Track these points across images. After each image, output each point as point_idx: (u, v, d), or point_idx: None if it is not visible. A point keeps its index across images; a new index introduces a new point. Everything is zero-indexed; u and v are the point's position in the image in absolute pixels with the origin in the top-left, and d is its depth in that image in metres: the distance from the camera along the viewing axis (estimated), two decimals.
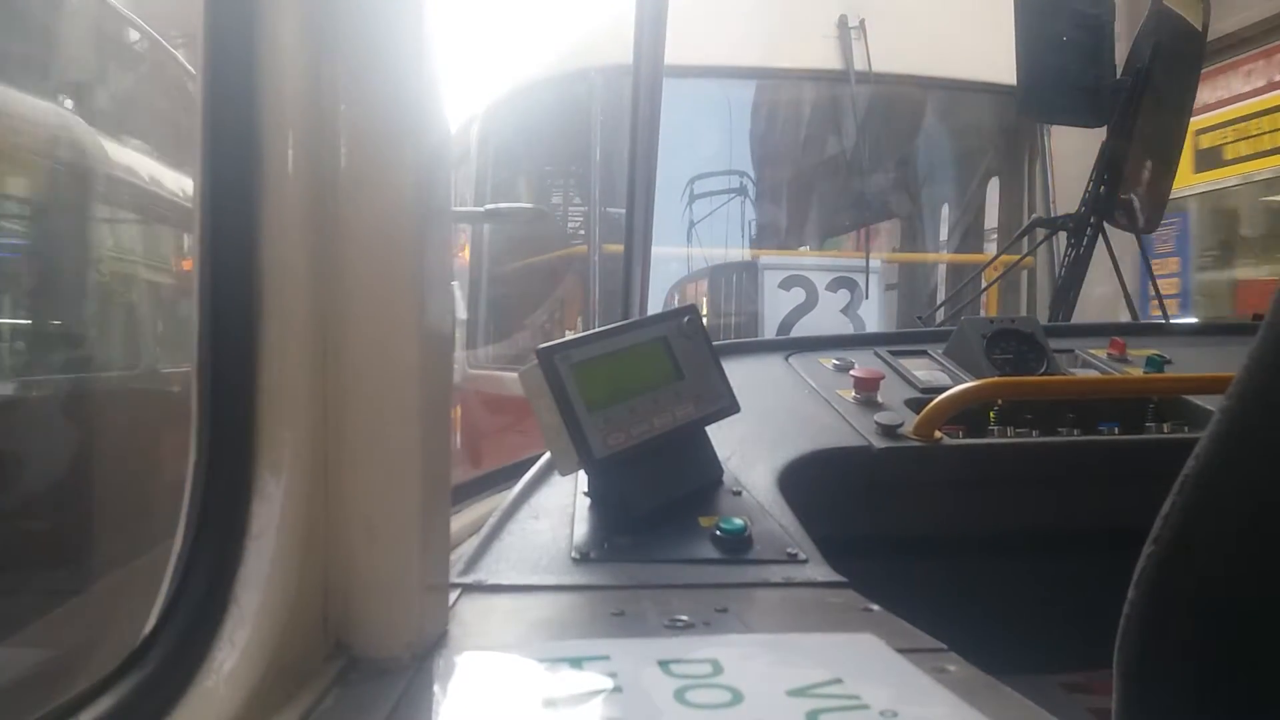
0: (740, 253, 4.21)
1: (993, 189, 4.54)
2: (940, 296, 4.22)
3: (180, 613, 0.57)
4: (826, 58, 3.88)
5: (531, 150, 4.51)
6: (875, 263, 3.94)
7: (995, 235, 4.47)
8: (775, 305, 3.76)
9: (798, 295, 3.79)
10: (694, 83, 3.84)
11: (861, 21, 3.85)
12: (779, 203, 4.51)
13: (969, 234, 4.65)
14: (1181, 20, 2.45)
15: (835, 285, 3.81)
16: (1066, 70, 2.45)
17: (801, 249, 4.58)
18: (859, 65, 3.84)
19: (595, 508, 1.03)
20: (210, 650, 0.56)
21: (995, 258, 3.52)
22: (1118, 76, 2.46)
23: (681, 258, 4.13)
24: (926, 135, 4.53)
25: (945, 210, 4.73)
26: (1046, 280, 4.01)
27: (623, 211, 3.76)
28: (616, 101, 3.81)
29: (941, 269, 4.60)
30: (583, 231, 4.09)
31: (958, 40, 3.99)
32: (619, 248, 3.70)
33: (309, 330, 0.63)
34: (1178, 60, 2.43)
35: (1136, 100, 2.42)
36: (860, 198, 4.14)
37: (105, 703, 0.52)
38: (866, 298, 3.79)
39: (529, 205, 3.36)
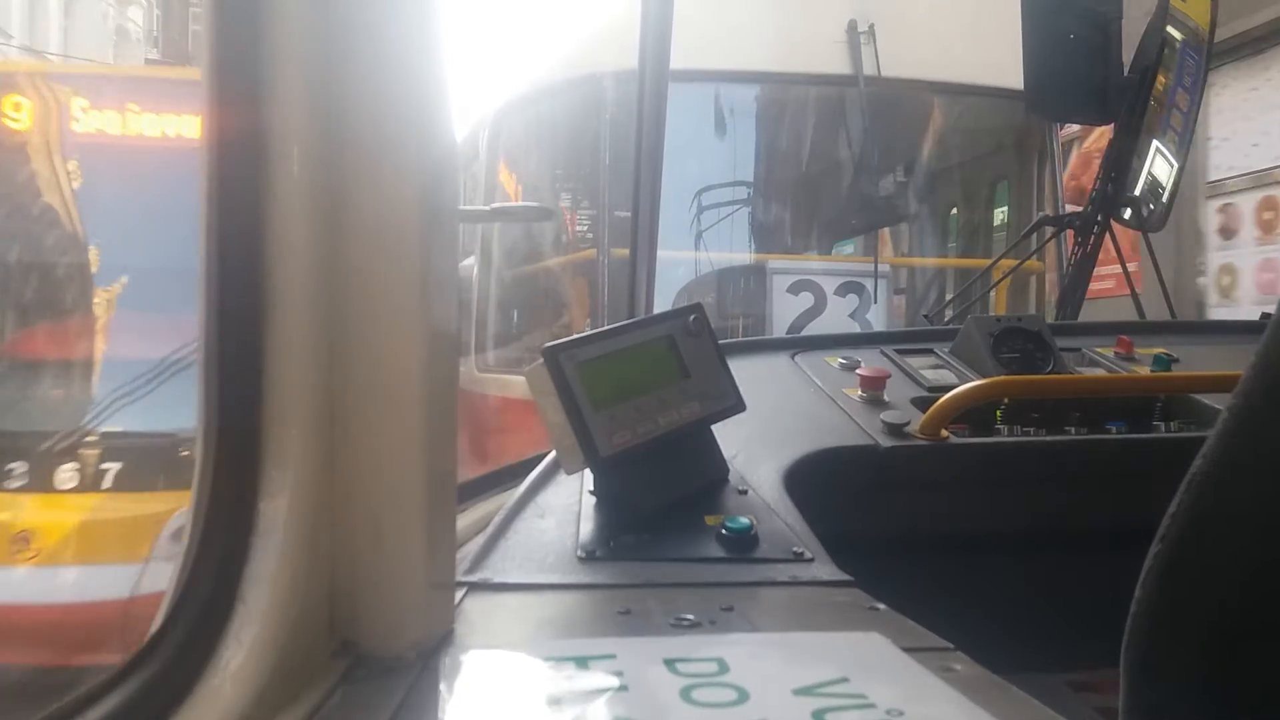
0: (748, 257, 4.21)
1: (1002, 192, 4.54)
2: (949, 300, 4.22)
3: (187, 611, 0.57)
4: (836, 62, 3.88)
5: (541, 154, 4.52)
6: (884, 267, 3.94)
7: (1005, 237, 4.47)
8: (784, 309, 3.76)
9: (806, 300, 3.80)
10: (704, 87, 3.85)
11: (871, 26, 3.85)
12: (788, 207, 4.52)
13: (978, 237, 4.65)
14: (1188, 18, 2.44)
15: (844, 290, 3.81)
16: (1074, 68, 2.45)
17: (810, 253, 4.58)
18: (868, 70, 3.84)
19: (601, 506, 1.03)
20: (217, 648, 0.56)
21: (1001, 256, 3.52)
22: (1125, 74, 2.46)
23: (690, 261, 4.13)
24: (936, 140, 4.53)
25: (955, 214, 4.73)
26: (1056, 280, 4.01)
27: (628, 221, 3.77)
28: (626, 106, 3.82)
29: (951, 273, 4.60)
30: (591, 235, 4.09)
31: (966, 45, 3.99)
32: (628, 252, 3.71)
33: (315, 330, 0.63)
34: (1184, 58, 2.42)
35: (1144, 98, 2.41)
36: (869, 202, 4.14)
37: (112, 700, 0.52)
38: (875, 302, 3.79)
39: (535, 204, 3.37)
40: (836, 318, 3.74)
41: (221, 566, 0.59)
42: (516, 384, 4.02)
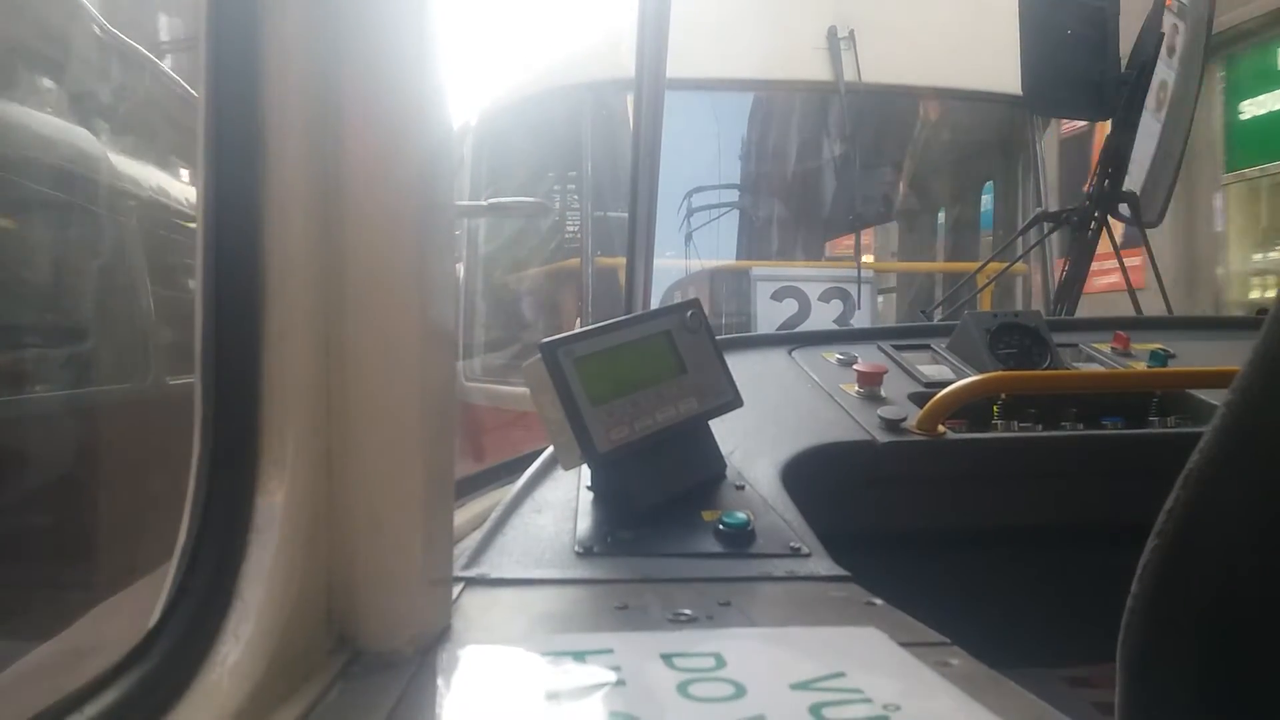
0: (731, 263, 4.22)
1: (987, 194, 4.56)
2: (938, 299, 4.22)
3: (184, 607, 0.57)
4: (817, 69, 3.89)
5: (523, 163, 4.53)
6: (868, 272, 3.93)
7: (991, 238, 4.49)
8: (768, 317, 3.76)
9: (790, 306, 3.79)
10: (684, 95, 3.86)
11: (851, 32, 3.85)
12: (771, 213, 4.53)
13: (964, 238, 4.66)
14: (1186, 13, 2.44)
15: (828, 296, 3.81)
16: (1071, 64, 2.45)
17: (797, 257, 4.59)
18: (849, 76, 3.84)
19: (598, 502, 1.03)
20: (214, 644, 0.56)
21: (996, 254, 3.53)
22: (1122, 70, 2.46)
23: (673, 269, 4.14)
24: (918, 143, 4.55)
25: (940, 217, 4.74)
26: (1041, 279, 4.02)
27: (612, 223, 3.79)
28: (607, 116, 3.85)
29: (938, 274, 4.61)
30: (576, 242, 4.10)
31: (948, 50, 4.00)
32: (611, 260, 3.74)
33: (312, 324, 0.63)
34: (1182, 53, 2.42)
35: (1141, 94, 2.42)
36: (852, 206, 4.14)
37: (109, 697, 0.52)
38: (859, 308, 3.79)
39: (530, 199, 3.37)
40: (821, 324, 3.74)
41: (218, 562, 0.59)
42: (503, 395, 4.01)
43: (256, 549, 0.59)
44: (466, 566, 0.88)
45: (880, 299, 4.49)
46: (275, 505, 0.60)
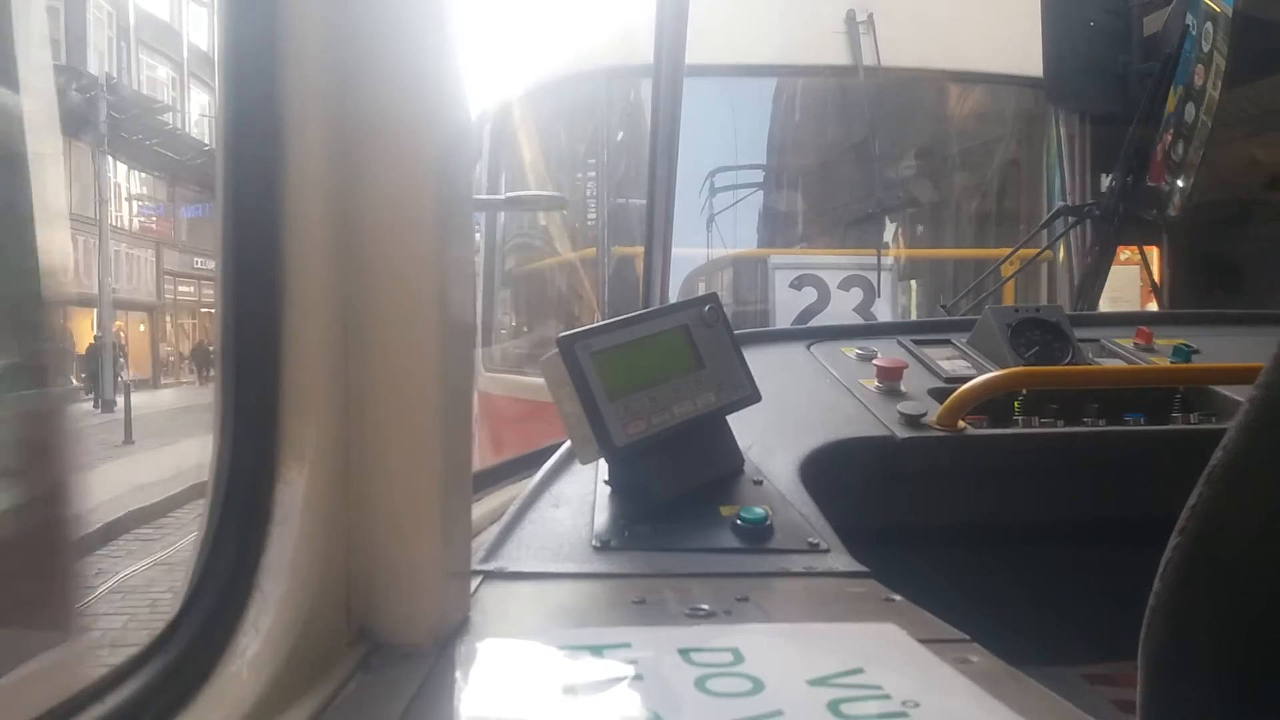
0: (749, 251, 4.20)
1: (1009, 180, 4.50)
2: (959, 287, 4.18)
3: (204, 599, 0.58)
4: (836, 53, 3.86)
5: (541, 151, 4.52)
6: (888, 260, 3.89)
7: (1015, 226, 4.44)
8: (787, 305, 3.73)
9: (809, 294, 3.76)
10: (700, 81, 3.84)
11: (870, 15, 3.82)
12: (789, 201, 4.50)
13: (985, 226, 4.62)
14: (1211, 3, 2.41)
15: (847, 283, 3.78)
16: (1094, 56, 2.42)
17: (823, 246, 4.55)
18: (868, 60, 3.81)
19: (616, 496, 1.03)
20: (234, 636, 0.57)
21: (1018, 248, 3.49)
22: (1146, 61, 2.43)
23: (690, 258, 4.12)
24: (939, 129, 4.50)
25: (961, 203, 4.69)
26: (1065, 270, 3.98)
27: (631, 210, 3.78)
28: (625, 104, 3.83)
29: (954, 261, 4.57)
30: (594, 230, 4.09)
31: (968, 32, 3.95)
32: (629, 249, 3.72)
33: (331, 319, 0.63)
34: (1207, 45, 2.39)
35: (1165, 87, 2.39)
36: (872, 193, 4.10)
37: (130, 687, 0.52)
38: (879, 296, 3.75)
39: (548, 193, 3.37)
40: (841, 312, 3.71)
41: (239, 555, 0.59)
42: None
43: (276, 542, 0.60)
44: (484, 560, 0.88)
45: (908, 283, 4.45)
46: (295, 499, 0.61)
